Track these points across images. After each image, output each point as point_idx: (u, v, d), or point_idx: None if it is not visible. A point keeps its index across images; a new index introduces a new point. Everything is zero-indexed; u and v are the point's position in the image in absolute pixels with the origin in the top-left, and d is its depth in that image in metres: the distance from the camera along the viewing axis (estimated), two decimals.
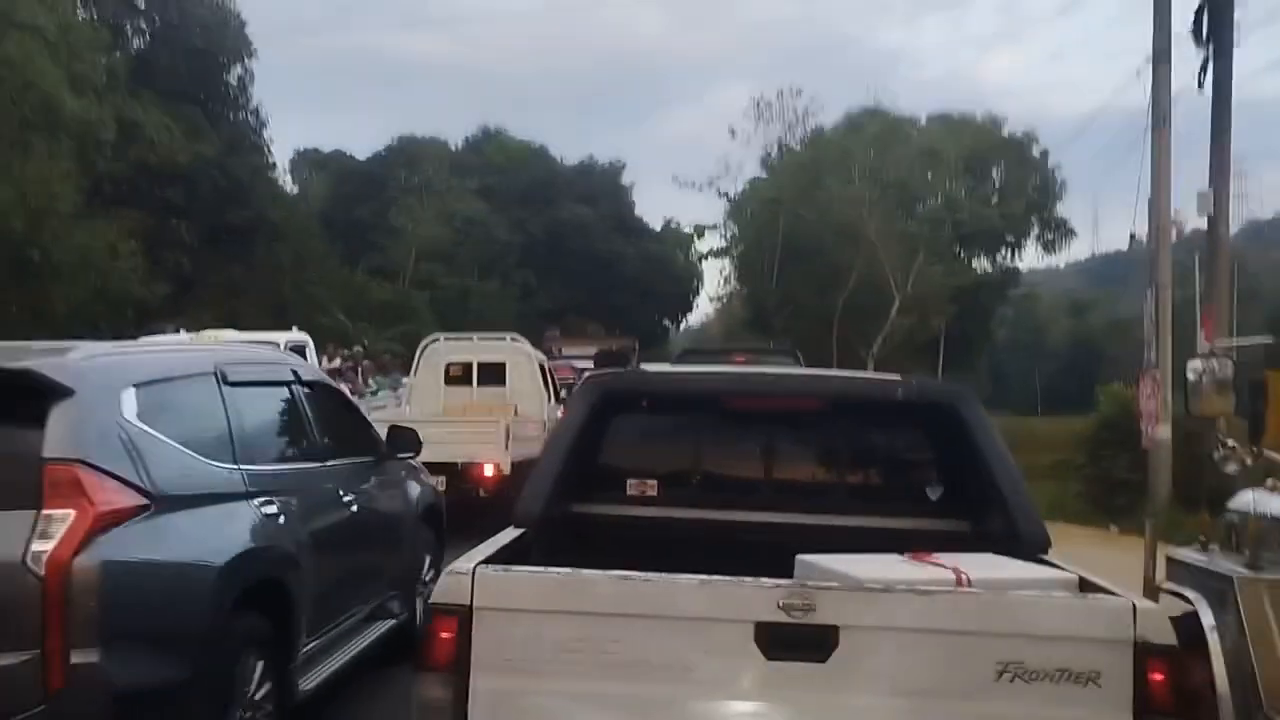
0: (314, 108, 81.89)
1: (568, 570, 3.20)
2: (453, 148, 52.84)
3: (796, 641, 2.95)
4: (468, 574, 3.09)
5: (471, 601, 3.04)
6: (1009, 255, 37.96)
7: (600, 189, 53.29)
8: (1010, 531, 3.95)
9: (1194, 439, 12.56)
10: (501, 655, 3.03)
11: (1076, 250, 42.04)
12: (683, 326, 61.02)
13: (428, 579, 7.03)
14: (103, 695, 3.74)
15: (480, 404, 14.05)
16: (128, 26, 25.41)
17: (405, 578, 6.82)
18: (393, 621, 6.45)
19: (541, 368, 15.28)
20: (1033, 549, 3.86)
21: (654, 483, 4.82)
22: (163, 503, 4.11)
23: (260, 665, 4.58)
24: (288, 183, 43.19)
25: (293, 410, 5.82)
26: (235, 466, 4.79)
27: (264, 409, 5.53)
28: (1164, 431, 12.80)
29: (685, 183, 35.55)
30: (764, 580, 3.04)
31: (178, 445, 4.41)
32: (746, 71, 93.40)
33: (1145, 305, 13.11)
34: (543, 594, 3.10)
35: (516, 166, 51.55)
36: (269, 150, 27.82)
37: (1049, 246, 37.98)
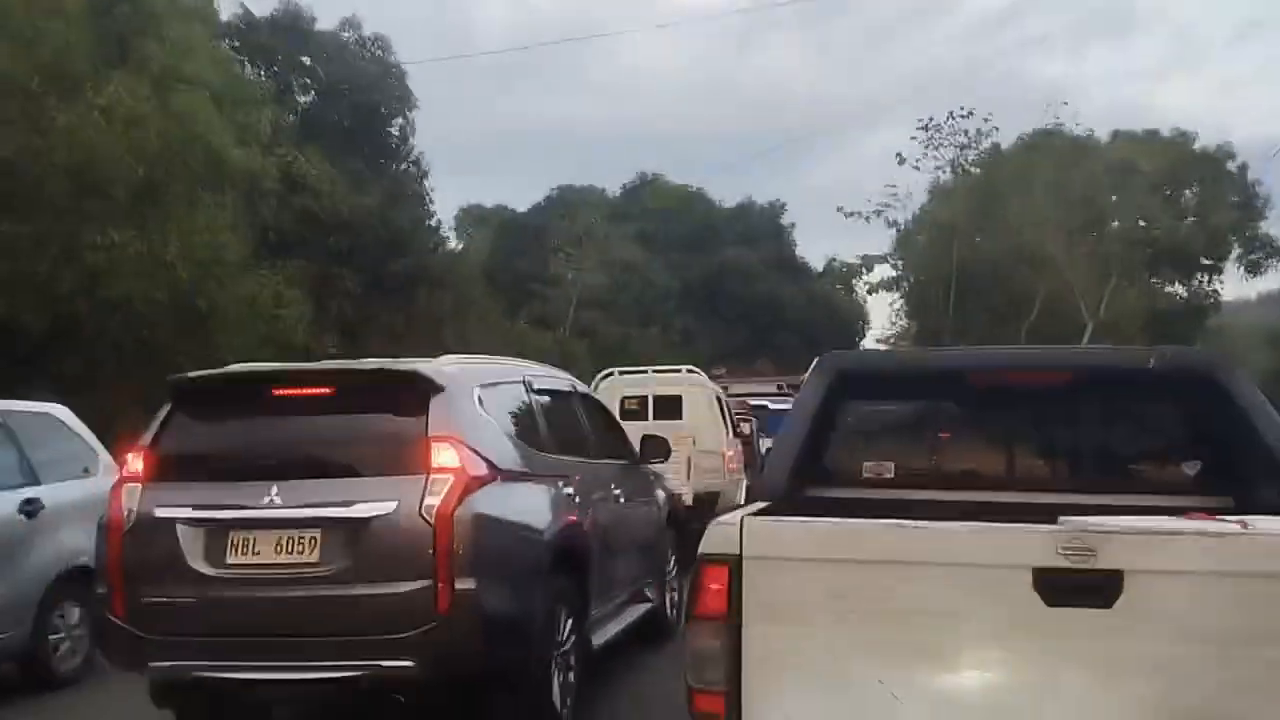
0: (478, 168, 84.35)
1: (837, 519, 3.19)
2: (610, 195, 53.31)
3: (1078, 587, 2.83)
4: (735, 524, 3.09)
5: (741, 551, 3.04)
6: (1205, 279, 34.87)
7: (760, 230, 52.93)
8: None
9: None
10: (772, 603, 3.03)
11: (1270, 280, 38.15)
12: None
13: (672, 575, 8.23)
14: (478, 616, 4.82)
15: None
16: (293, 83, 26.09)
17: (657, 569, 7.91)
18: (649, 605, 7.54)
19: (718, 400, 14.42)
20: None
21: (890, 465, 4.73)
22: (503, 475, 5.23)
23: (566, 618, 5.64)
24: (452, 238, 44.53)
25: (574, 415, 7.06)
26: (543, 454, 5.93)
27: (556, 411, 6.68)
28: None
29: (851, 213, 34.11)
30: (1042, 525, 2.91)
31: (508, 432, 5.63)
32: (904, 117, 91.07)
33: None
34: (812, 543, 3.09)
35: (674, 212, 51.82)
36: (429, 199, 28.12)
37: (1253, 267, 34.58)
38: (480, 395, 5.50)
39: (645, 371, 14.92)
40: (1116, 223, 30.48)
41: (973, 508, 3.78)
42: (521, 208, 51.68)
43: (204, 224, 18.28)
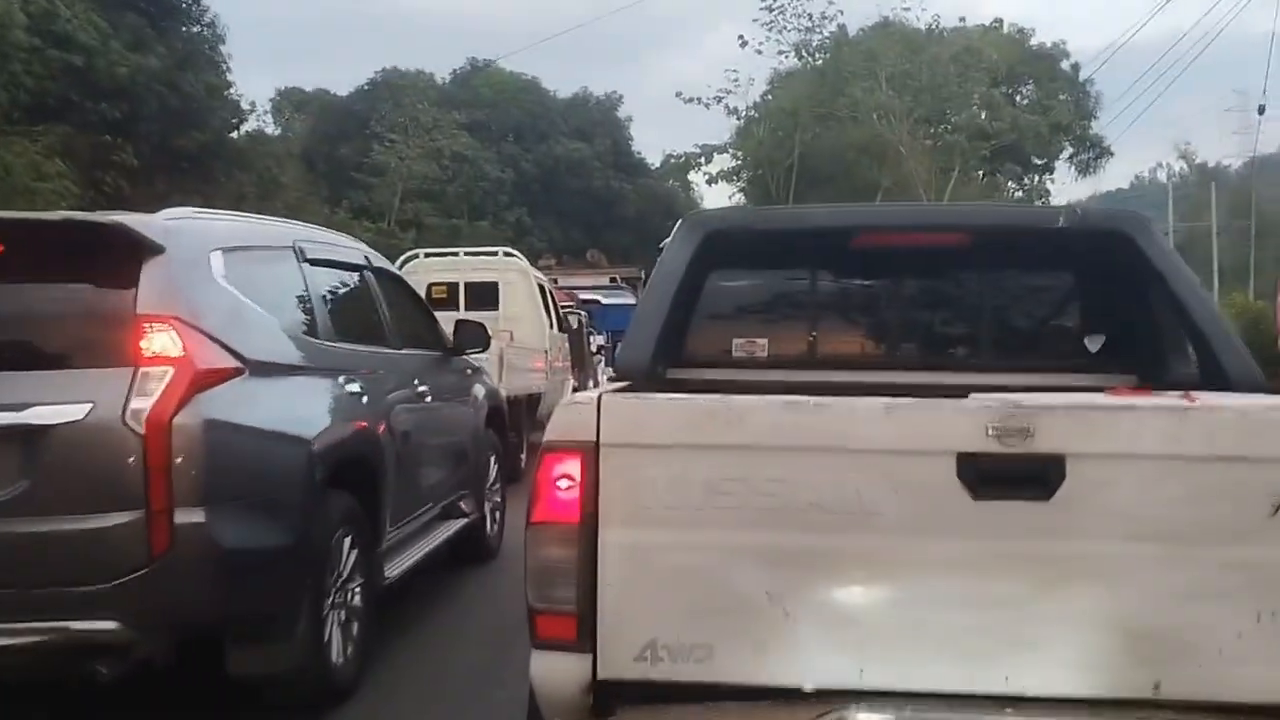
0: (297, 49, 78.80)
1: (717, 396, 2.51)
2: (439, 82, 50.97)
3: (1012, 476, 2.31)
4: (591, 403, 2.44)
5: (598, 436, 2.40)
6: (1037, 178, 35.29)
7: (596, 123, 51.74)
8: (1213, 374, 3.21)
9: None
10: (638, 502, 2.40)
11: (1094, 182, 39.10)
12: None
13: (494, 486, 7.14)
14: (209, 556, 3.66)
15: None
16: None
17: (475, 478, 6.74)
18: (464, 520, 6.41)
19: (541, 288, 12.94)
20: (1247, 390, 3.02)
21: (763, 342, 4.20)
22: (255, 368, 3.99)
23: (350, 546, 4.49)
24: (269, 122, 41.61)
25: (367, 295, 5.69)
26: (319, 341, 4.71)
27: (341, 289, 5.40)
28: None
29: (691, 99, 32.78)
30: (968, 402, 2.40)
31: (263, 312, 4.31)
32: (742, 17, 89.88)
33: None
34: (687, 425, 2.43)
35: (507, 101, 50.15)
36: (226, 68, 25.12)
37: (1083, 167, 35.21)
38: (222, 262, 4.17)
39: (456, 254, 13.28)
40: (961, 113, 30.06)
41: (857, 390, 3.00)
42: (344, 91, 48.65)
43: None
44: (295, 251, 4.86)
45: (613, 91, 53.67)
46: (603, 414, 2.45)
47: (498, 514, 7.33)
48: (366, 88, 48.66)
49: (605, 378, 18.73)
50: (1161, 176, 57.60)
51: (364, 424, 4.82)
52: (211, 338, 3.82)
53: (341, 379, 4.73)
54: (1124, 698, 2.32)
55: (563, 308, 14.82)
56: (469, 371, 7.10)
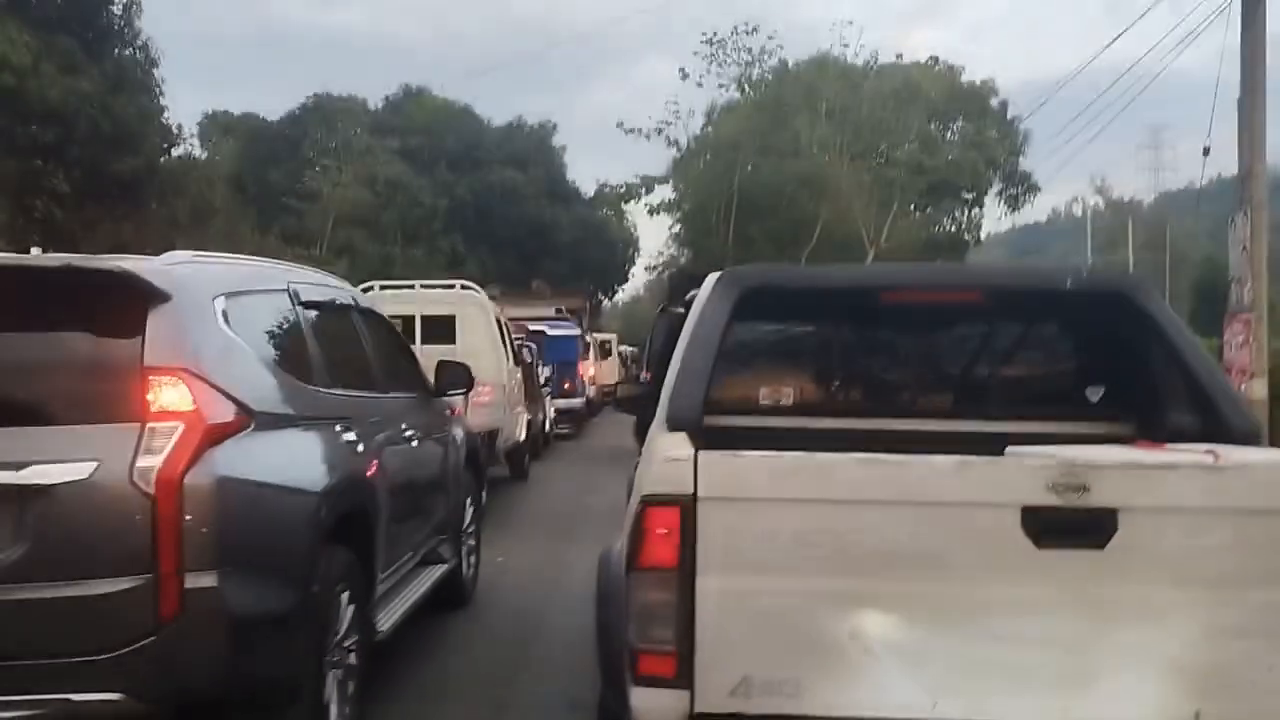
0: (226, 72, 77.51)
1: (803, 453, 2.78)
2: (372, 107, 50.54)
3: (1070, 527, 2.60)
4: (689, 460, 2.68)
5: (695, 490, 2.66)
6: (965, 213, 35.98)
7: (530, 152, 51.62)
8: (1215, 426, 3.41)
9: None
10: (732, 550, 2.67)
11: (1013, 216, 40.23)
12: (616, 298, 59.06)
13: (469, 529, 7.03)
14: (220, 623, 3.45)
15: (428, 365, 11.45)
16: None
17: (453, 522, 6.63)
18: (444, 567, 6.30)
19: (498, 321, 12.77)
20: (1248, 442, 3.29)
21: (789, 390, 4.42)
22: (260, 419, 3.83)
23: (347, 601, 4.33)
24: (195, 146, 40.75)
25: (356, 337, 5.54)
26: (316, 388, 4.54)
27: (333, 332, 5.22)
28: (1259, 389, 10.54)
29: (631, 129, 32.87)
30: (1030, 460, 2.73)
31: (266, 360, 4.19)
32: (678, 49, 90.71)
33: (1233, 233, 10.84)
34: (776, 480, 2.70)
35: (441, 126, 49.96)
36: (159, 92, 24.46)
37: (1011, 202, 35.99)
38: (225, 308, 3.98)
39: (413, 286, 13.02)
40: (901, 148, 30.56)
41: (872, 436, 3.37)
42: (274, 116, 47.99)
43: None
44: (290, 294, 4.69)
45: (547, 120, 53.64)
46: (699, 470, 2.69)
47: (472, 557, 7.17)
48: (298, 112, 47.98)
49: (554, 410, 18.64)
50: (1077, 210, 59.45)
51: (360, 474, 4.69)
52: (219, 389, 3.64)
53: (338, 427, 4.58)
54: None
55: (515, 339, 14.69)
56: (448, 413, 6.95)
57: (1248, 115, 11.08)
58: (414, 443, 5.75)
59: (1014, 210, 37.15)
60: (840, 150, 26.34)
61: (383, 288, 12.48)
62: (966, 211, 35.19)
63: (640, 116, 48.39)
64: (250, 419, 3.75)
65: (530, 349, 16.04)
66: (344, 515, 4.30)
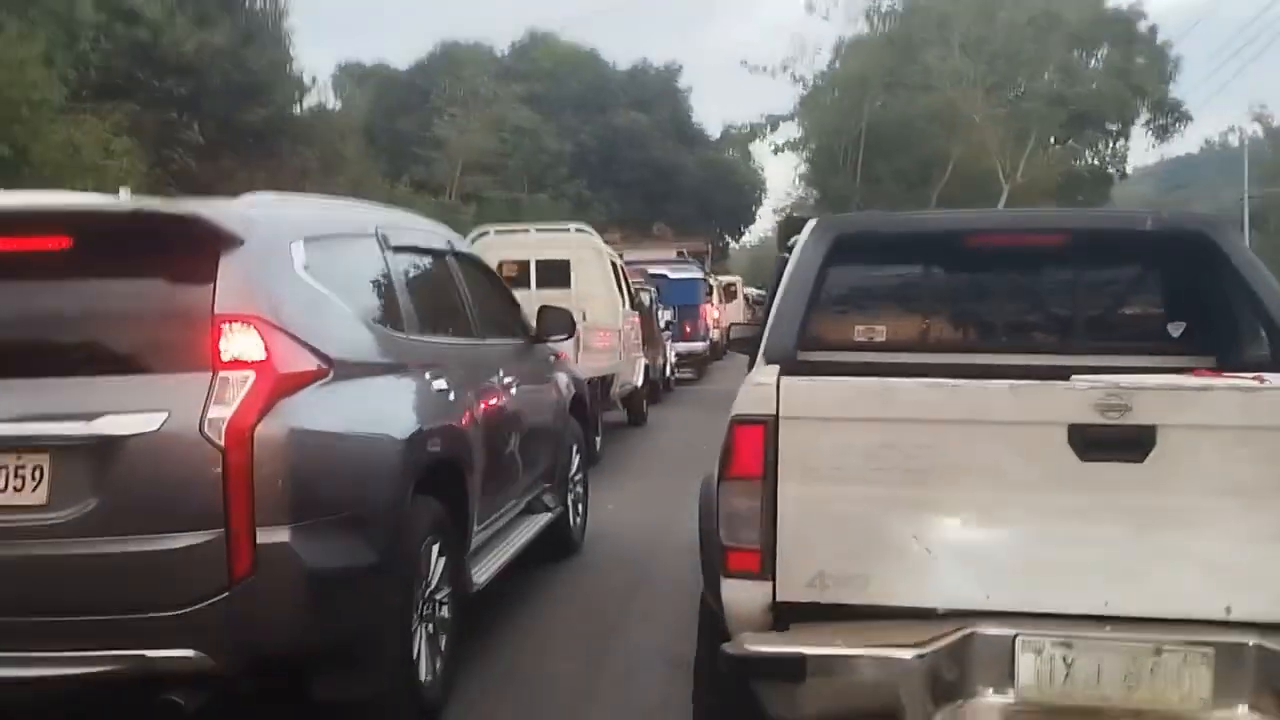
0: (357, 23, 78.83)
1: (873, 378, 3.15)
2: (499, 54, 50.83)
3: (1112, 442, 2.87)
4: (772, 384, 3.04)
5: (778, 411, 3.00)
6: (1113, 144, 33.97)
7: (655, 94, 51.36)
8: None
9: None
10: (808, 463, 3.00)
11: (1162, 148, 37.70)
12: (743, 240, 58.40)
13: (576, 476, 6.92)
14: (295, 580, 3.34)
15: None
16: None
17: (558, 470, 6.49)
18: (548, 515, 6.19)
19: (614, 265, 12.56)
20: None
21: (882, 328, 4.73)
22: (341, 368, 3.66)
23: (438, 554, 4.21)
24: (330, 97, 41.82)
25: (451, 282, 5.37)
26: (405, 336, 4.38)
27: (425, 278, 5.06)
28: None
29: (755, 67, 32.03)
30: (1077, 382, 3.01)
31: (349, 307, 4.03)
32: None
33: None
34: (849, 401, 3.06)
35: (566, 72, 49.95)
36: (289, 42, 24.98)
37: (1160, 132, 33.78)
38: (305, 253, 3.81)
39: (527, 230, 12.88)
40: (1038, 79, 28.89)
41: (967, 370, 3.56)
42: (403, 66, 48.67)
43: (7, 55, 15.28)
44: (378, 239, 4.50)
45: (672, 62, 53.26)
46: (781, 393, 3.01)
47: (580, 505, 7.03)
48: (426, 61, 48.72)
49: (674, 354, 18.46)
50: (1233, 141, 55.67)
51: (451, 423, 4.51)
52: (295, 337, 3.49)
53: (428, 375, 4.40)
54: (1201, 618, 2.85)
55: (633, 283, 14.47)
56: (552, 359, 6.76)
57: None
58: (513, 390, 5.57)
59: (1162, 141, 35.01)
60: (974, 83, 24.98)
61: (498, 232, 12.40)
62: (1110, 144, 33.24)
63: (766, 55, 47.14)
64: (329, 368, 3.58)
65: (650, 293, 15.80)
66: (432, 465, 4.14)
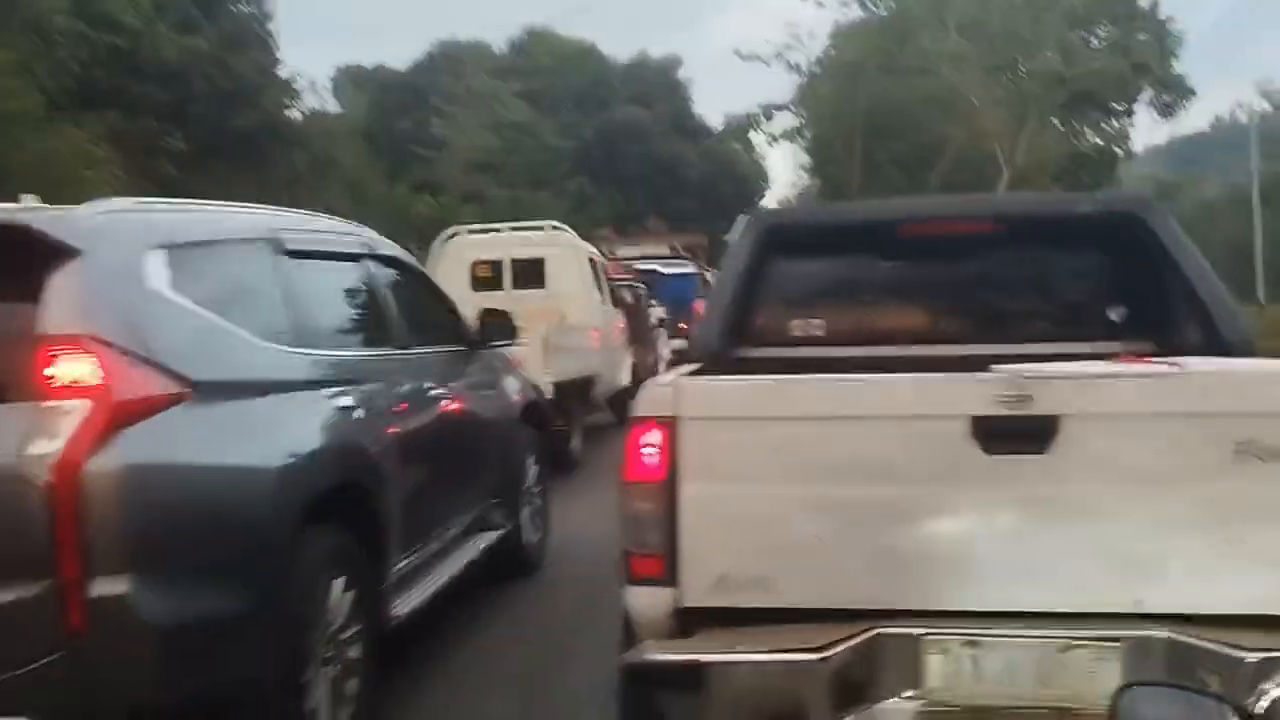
0: (355, 26, 78.56)
1: (772, 376, 3.15)
2: (496, 52, 50.58)
3: (1015, 433, 2.82)
4: (670, 385, 3.07)
5: (676, 411, 2.96)
6: (1117, 123, 33.34)
7: (655, 88, 50.91)
8: (1213, 339, 3.81)
9: None
10: (709, 464, 2.95)
11: (1171, 126, 37.23)
12: None
13: (534, 488, 6.58)
14: (136, 635, 2.96)
15: (518, 311, 10.93)
16: None
17: (508, 484, 6.14)
18: (496, 533, 5.85)
19: (592, 263, 12.18)
20: (1240, 353, 3.70)
21: (820, 322, 4.67)
22: (207, 391, 3.32)
23: (343, 589, 3.82)
24: (329, 100, 41.88)
25: (369, 289, 5.00)
26: (299, 350, 4.00)
27: (333, 285, 4.75)
28: None
29: (749, 55, 31.57)
30: (978, 374, 2.97)
31: (222, 321, 3.61)
32: None
33: None
34: (748, 401, 3.02)
35: (565, 68, 49.43)
36: (275, 45, 24.65)
37: (1164, 110, 33.16)
38: (164, 264, 3.44)
39: (500, 229, 12.49)
40: (1034, 59, 28.32)
41: (905, 362, 3.64)
42: (402, 66, 48.42)
43: None
44: (271, 244, 4.13)
45: (671, 54, 52.76)
46: (679, 394, 2.98)
47: (539, 520, 6.64)
48: (424, 61, 48.47)
49: (669, 351, 18.13)
50: (1242, 117, 54.87)
51: (359, 443, 4.14)
52: (142, 358, 3.13)
53: (328, 392, 4.03)
54: (1109, 612, 2.77)
55: (618, 281, 14.09)
56: (499, 365, 6.39)
57: None
58: (447, 402, 5.21)
59: (1166, 118, 34.36)
60: (971, 66, 24.48)
61: (469, 232, 12.04)
62: (1114, 123, 32.65)
63: (764, 43, 46.70)
64: (188, 390, 3.22)
65: (637, 290, 15.42)
66: (330, 492, 3.75)
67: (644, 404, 3.04)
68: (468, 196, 39.84)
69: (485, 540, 5.65)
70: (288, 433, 3.71)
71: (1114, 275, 4.57)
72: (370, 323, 4.89)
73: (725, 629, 2.91)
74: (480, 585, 5.86)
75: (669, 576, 2.95)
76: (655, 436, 2.95)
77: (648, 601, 2.99)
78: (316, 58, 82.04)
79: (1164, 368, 3.07)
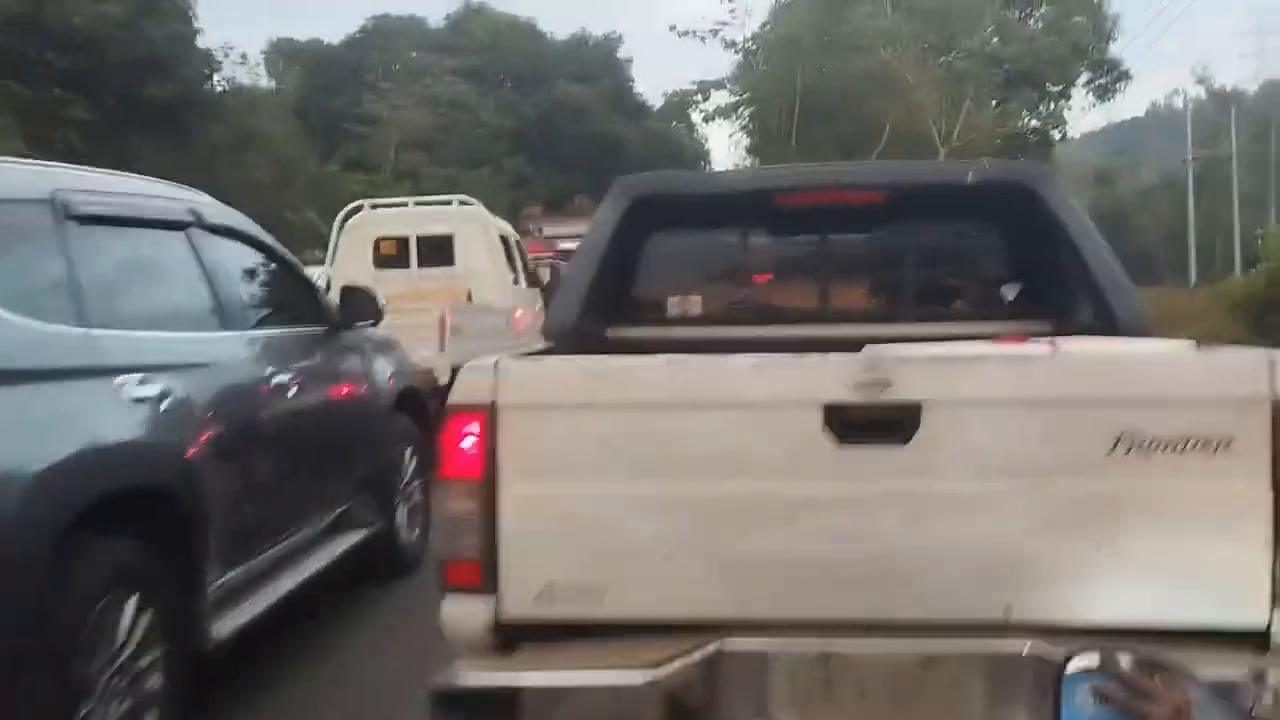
0: (290, 3, 76.54)
1: (604, 357, 2.99)
2: (432, 27, 49.92)
3: (872, 423, 2.53)
4: (489, 368, 2.65)
5: (496, 397, 2.62)
6: (1050, 106, 33.45)
7: (596, 66, 50.21)
8: (1105, 318, 3.55)
9: None
10: (533, 457, 2.64)
11: (1109, 110, 37.74)
12: None
13: (412, 483, 6.04)
14: None
15: (424, 290, 10.45)
16: None
17: (379, 478, 5.56)
18: (364, 532, 5.29)
19: (504, 240, 11.68)
20: (1132, 333, 3.44)
21: (698, 300, 4.43)
22: None
23: (135, 608, 3.27)
24: (263, 76, 41.13)
25: (191, 261, 4.34)
26: (83, 330, 3.39)
27: (141, 257, 4.12)
28: None
29: (686, 32, 31.19)
30: (832, 357, 2.64)
31: None
32: None
33: None
34: (578, 385, 2.69)
35: (503, 45, 48.65)
36: (192, 14, 23.58)
37: (1101, 92, 33.31)
38: None
39: (406, 204, 12.00)
40: (970, 40, 28.20)
41: (783, 343, 3.31)
42: (336, 41, 47.53)
43: None
44: (52, 207, 3.51)
45: (612, 31, 52.20)
46: (499, 378, 2.63)
47: (418, 516, 6.10)
48: (358, 36, 47.52)
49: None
50: (1178, 103, 55.76)
51: (161, 439, 3.58)
52: None
53: (125, 380, 3.45)
54: (977, 621, 2.49)
55: (538, 259, 13.62)
56: (368, 348, 5.80)
57: None
58: (294, 389, 4.64)
59: (1103, 101, 34.57)
60: (907, 44, 24.27)
61: (373, 207, 11.49)
62: (1051, 105, 32.69)
63: (702, 20, 46.14)
64: None
65: (557, 268, 14.97)
66: (115, 498, 3.21)
67: (461, 389, 2.68)
68: (402, 174, 39.14)
69: (349, 541, 5.13)
70: (54, 426, 3.14)
71: (1009, 250, 4.31)
72: (190, 300, 4.28)
73: (552, 645, 2.61)
74: (346, 591, 5.37)
75: (488, 585, 2.63)
76: (473, 427, 2.62)
77: (464, 614, 2.66)
78: (249, 32, 79.90)
79: (1036, 349, 2.81)
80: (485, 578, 2.64)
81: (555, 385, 2.71)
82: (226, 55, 25.83)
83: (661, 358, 2.71)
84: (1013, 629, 2.49)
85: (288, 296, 5.21)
